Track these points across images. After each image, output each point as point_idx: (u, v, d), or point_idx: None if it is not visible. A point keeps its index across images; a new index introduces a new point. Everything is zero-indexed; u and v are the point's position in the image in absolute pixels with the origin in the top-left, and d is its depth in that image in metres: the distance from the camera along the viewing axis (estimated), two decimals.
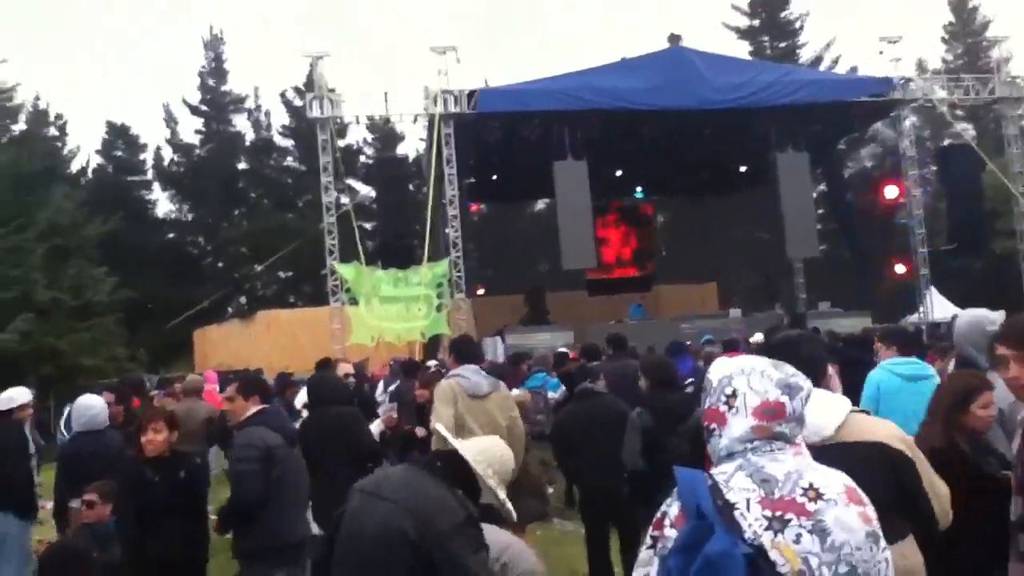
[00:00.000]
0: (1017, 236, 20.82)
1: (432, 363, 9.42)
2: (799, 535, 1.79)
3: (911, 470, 2.58)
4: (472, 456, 3.05)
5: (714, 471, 1.90)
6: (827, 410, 2.60)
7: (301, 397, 6.46)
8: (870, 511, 1.87)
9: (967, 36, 38.55)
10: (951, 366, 6.34)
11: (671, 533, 1.85)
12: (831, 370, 2.94)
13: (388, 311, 17.33)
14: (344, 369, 8.02)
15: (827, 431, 2.56)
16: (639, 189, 26.22)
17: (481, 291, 23.00)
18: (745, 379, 1.98)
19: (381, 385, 9.86)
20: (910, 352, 5.67)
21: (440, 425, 4.68)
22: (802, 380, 1.99)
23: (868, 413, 2.75)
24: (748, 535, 1.77)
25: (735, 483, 1.85)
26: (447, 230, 18.50)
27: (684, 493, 1.83)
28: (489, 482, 3.04)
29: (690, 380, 7.42)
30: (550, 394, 8.46)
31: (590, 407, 6.05)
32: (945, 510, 2.71)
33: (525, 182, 23.49)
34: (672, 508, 1.90)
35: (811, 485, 1.84)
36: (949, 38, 39.31)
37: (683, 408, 5.20)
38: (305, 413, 6.37)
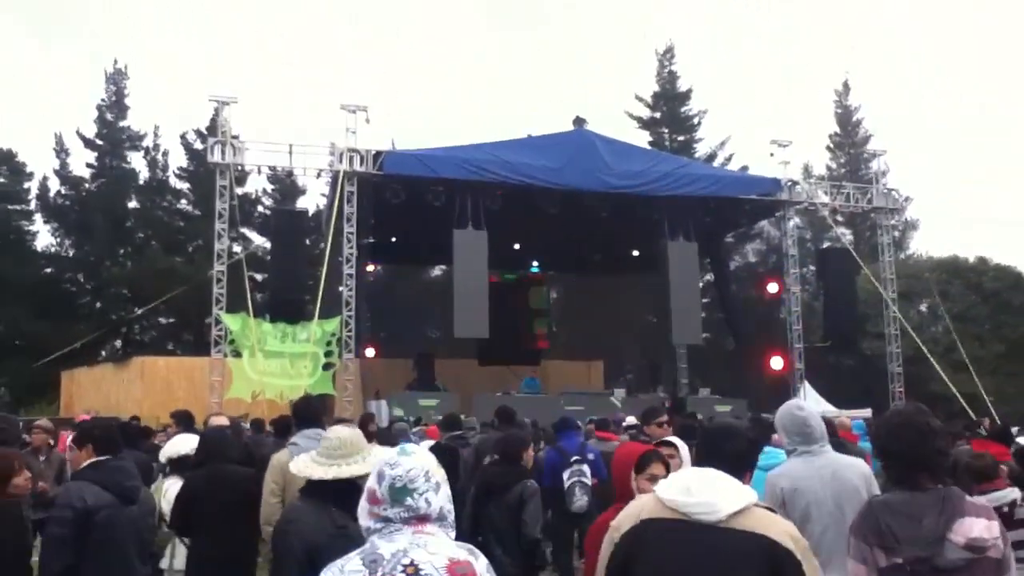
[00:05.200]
0: (886, 338, 21.95)
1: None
2: None
3: (794, 570, 2.52)
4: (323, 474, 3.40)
5: (340, 560, 2.17)
6: (726, 494, 2.62)
7: (168, 450, 6.04)
8: None
9: (850, 147, 41.14)
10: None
11: None
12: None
13: (272, 366, 16.91)
14: (217, 422, 7.59)
15: (720, 513, 2.57)
16: (535, 264, 26.61)
17: (371, 352, 22.69)
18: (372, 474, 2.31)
19: None
20: (766, 442, 5.94)
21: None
22: (391, 469, 2.24)
23: (773, 511, 2.72)
24: None
25: (348, 567, 2.12)
26: (341, 288, 18.30)
27: None
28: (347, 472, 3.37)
29: (575, 458, 7.51)
30: None
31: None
32: None
33: (424, 247, 23.55)
34: None
35: (412, 562, 2.08)
36: (834, 147, 41.90)
37: (503, 480, 5.32)
38: (167, 467, 6.03)
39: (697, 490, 2.63)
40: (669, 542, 2.61)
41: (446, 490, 2.30)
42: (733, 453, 2.82)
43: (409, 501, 2.20)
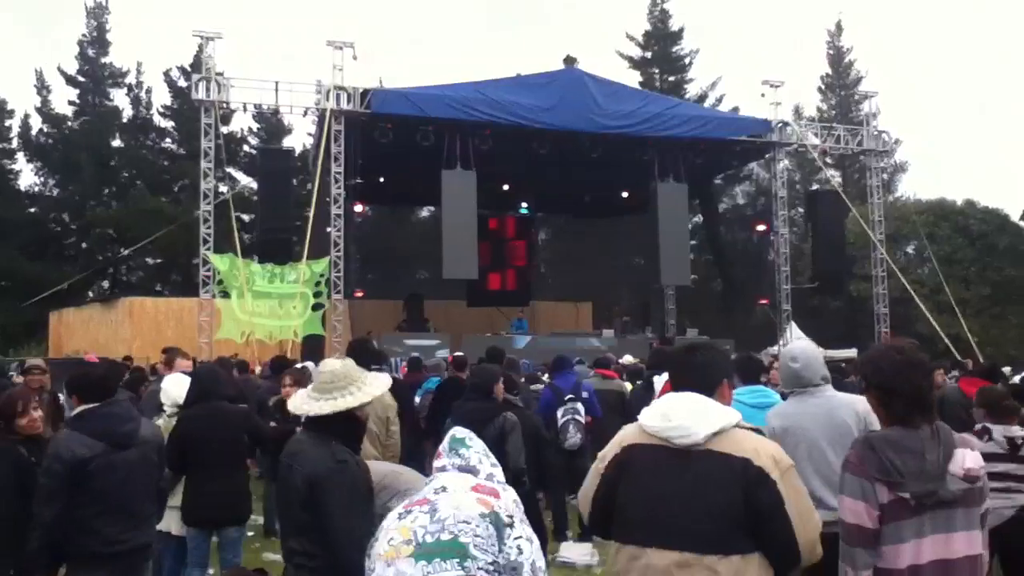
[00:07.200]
0: (873, 280, 22.08)
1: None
2: (416, 517, 2.35)
3: (767, 490, 2.53)
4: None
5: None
6: (701, 417, 2.65)
7: (172, 396, 5.86)
8: (495, 501, 2.39)
9: (841, 88, 40.83)
10: None
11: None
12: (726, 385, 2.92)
13: (261, 307, 16.86)
14: (182, 367, 7.06)
15: (696, 436, 2.61)
16: (525, 205, 26.49)
17: (359, 294, 22.68)
18: None
19: None
20: (755, 381, 5.97)
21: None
22: (459, 431, 2.65)
23: (760, 432, 2.72)
24: (384, 524, 2.42)
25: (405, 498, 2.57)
26: (329, 229, 18.17)
27: None
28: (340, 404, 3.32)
29: (570, 396, 7.56)
30: None
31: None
32: (811, 541, 2.61)
33: (412, 188, 23.36)
34: None
35: (443, 486, 2.43)
36: (825, 88, 41.56)
37: (480, 415, 5.35)
38: (168, 407, 5.96)
39: (673, 415, 2.69)
40: (649, 466, 2.68)
41: (500, 471, 2.61)
42: (692, 367, 2.84)
43: (462, 450, 2.56)
